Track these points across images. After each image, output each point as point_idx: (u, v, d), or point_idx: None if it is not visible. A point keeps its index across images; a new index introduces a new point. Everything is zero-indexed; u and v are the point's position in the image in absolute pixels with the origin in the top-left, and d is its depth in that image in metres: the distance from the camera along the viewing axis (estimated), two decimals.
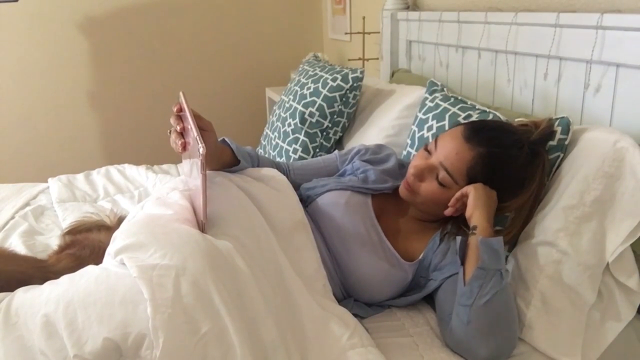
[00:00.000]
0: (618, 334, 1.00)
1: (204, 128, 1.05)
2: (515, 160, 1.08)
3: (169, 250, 0.87)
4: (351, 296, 1.14)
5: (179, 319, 0.80)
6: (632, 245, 1.01)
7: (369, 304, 1.14)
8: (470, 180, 1.08)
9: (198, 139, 0.91)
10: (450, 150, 1.09)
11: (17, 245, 1.43)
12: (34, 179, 2.16)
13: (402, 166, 1.31)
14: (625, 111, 1.20)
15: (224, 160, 1.16)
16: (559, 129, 1.14)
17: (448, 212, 1.09)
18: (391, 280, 1.11)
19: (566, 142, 1.13)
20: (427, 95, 1.55)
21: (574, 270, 1.00)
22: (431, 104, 1.49)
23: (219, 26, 3.17)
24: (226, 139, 1.19)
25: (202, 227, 0.97)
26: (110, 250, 0.94)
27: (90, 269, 0.91)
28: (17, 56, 2.89)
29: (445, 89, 1.55)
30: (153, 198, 1.10)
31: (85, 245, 1.15)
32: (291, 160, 1.88)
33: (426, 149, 1.14)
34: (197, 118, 1.01)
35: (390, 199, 1.23)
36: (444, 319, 1.04)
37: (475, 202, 1.03)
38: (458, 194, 1.07)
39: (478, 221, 1.01)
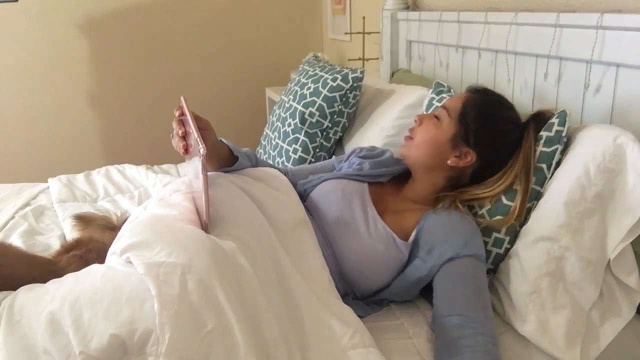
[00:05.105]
0: (618, 334, 1.01)
1: (202, 127, 1.07)
2: (504, 115, 1.19)
3: (175, 248, 0.88)
4: (350, 287, 1.14)
5: (185, 316, 0.80)
6: (632, 244, 1.01)
7: (367, 302, 1.14)
8: (461, 119, 1.15)
9: (198, 140, 0.93)
10: (453, 99, 1.23)
11: (17, 245, 1.43)
12: (34, 179, 2.16)
13: (398, 161, 1.32)
14: (625, 111, 1.20)
15: (222, 155, 1.18)
16: (556, 121, 1.14)
17: (452, 161, 1.16)
18: (388, 262, 1.11)
19: (563, 134, 1.14)
20: (433, 95, 1.56)
21: (576, 266, 1.01)
22: (438, 105, 1.50)
23: (219, 26, 3.17)
24: (223, 140, 1.20)
25: (205, 228, 0.97)
26: (115, 249, 0.94)
27: (95, 267, 0.92)
28: (17, 56, 2.88)
29: (451, 90, 1.55)
30: (156, 199, 1.11)
31: (90, 248, 1.16)
32: (291, 161, 1.88)
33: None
34: (195, 118, 1.02)
35: (387, 188, 1.25)
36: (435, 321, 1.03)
37: None
38: None
39: None
